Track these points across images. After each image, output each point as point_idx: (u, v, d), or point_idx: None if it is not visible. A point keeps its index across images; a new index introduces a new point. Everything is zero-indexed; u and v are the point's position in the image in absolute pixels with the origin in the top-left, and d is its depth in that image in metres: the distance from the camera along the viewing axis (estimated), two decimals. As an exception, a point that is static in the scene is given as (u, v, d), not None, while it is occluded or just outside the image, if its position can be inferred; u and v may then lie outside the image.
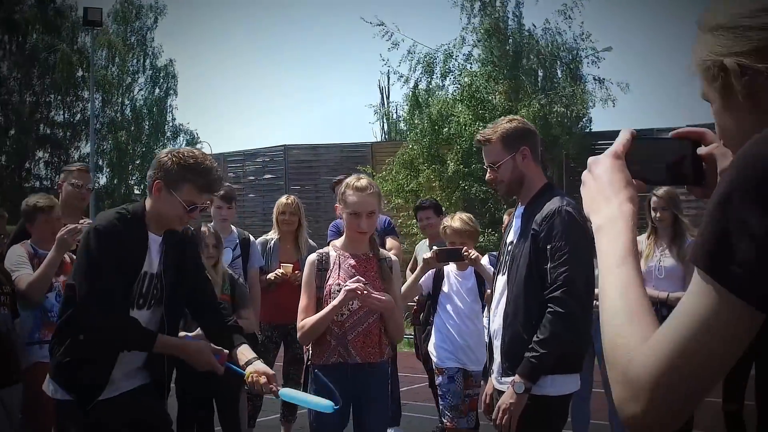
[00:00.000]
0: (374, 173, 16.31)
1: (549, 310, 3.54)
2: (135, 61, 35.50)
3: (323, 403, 3.68)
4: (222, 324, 3.99)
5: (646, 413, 1.23)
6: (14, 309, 4.92)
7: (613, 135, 11.82)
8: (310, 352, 4.24)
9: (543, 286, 3.59)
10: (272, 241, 6.89)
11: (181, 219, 3.70)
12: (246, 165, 19.89)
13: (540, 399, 3.62)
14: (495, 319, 3.87)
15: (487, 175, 3.98)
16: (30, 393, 4.91)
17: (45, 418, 5.05)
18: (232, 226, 6.63)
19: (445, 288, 5.61)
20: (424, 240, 7.77)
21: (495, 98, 15.96)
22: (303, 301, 4.22)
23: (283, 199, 7.02)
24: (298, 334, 4.23)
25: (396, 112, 21.55)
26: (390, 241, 7.14)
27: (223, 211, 6.49)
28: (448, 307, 5.56)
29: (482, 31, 17.14)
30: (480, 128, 15.38)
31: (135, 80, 35.56)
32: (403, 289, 5.66)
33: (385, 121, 28.52)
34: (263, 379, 3.67)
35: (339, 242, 4.35)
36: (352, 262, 4.21)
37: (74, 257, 5.00)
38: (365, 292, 4.00)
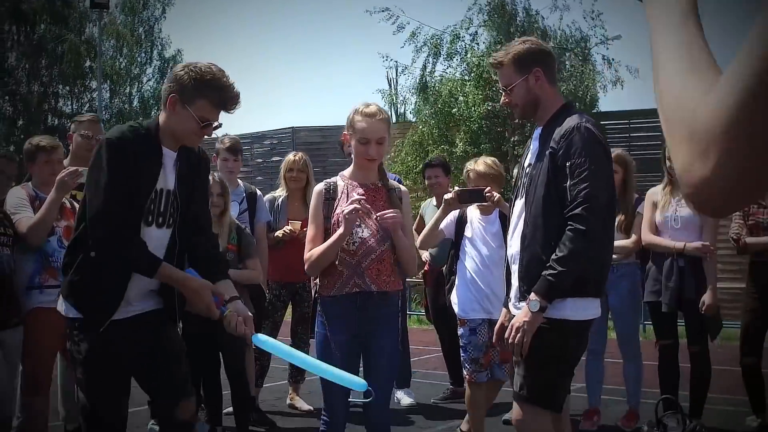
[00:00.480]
0: (382, 155, 16.16)
1: (569, 227, 3.40)
2: (143, 52, 35.40)
3: (330, 371, 3.56)
4: (211, 251, 3.87)
5: (716, 170, 1.01)
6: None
7: (622, 115, 11.69)
8: (318, 284, 4.09)
9: (562, 205, 3.45)
10: (280, 199, 6.75)
11: (195, 135, 3.59)
12: (254, 148, 19.73)
13: (558, 323, 3.48)
14: (512, 243, 3.73)
15: (502, 98, 3.86)
16: (29, 338, 4.80)
17: (43, 365, 4.94)
18: (239, 180, 6.50)
19: (468, 233, 5.40)
20: (430, 198, 7.63)
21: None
22: (310, 232, 4.08)
23: (290, 156, 6.87)
24: (306, 266, 4.08)
25: (404, 102, 21.41)
26: None
27: (230, 163, 6.37)
28: (472, 253, 5.30)
29: (487, 12, 17.00)
30: (488, 108, 15.40)
31: (143, 71, 35.46)
32: (423, 233, 5.51)
33: (392, 111, 28.40)
34: (240, 319, 3.57)
35: (347, 171, 4.20)
36: (361, 191, 4.06)
37: (75, 203, 4.89)
38: (364, 209, 3.89)
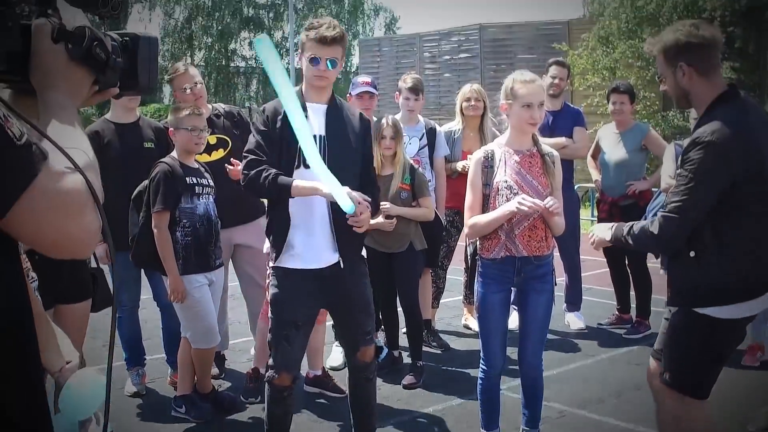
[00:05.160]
0: (570, 51, 15.99)
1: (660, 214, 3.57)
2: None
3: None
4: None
5: None
6: None
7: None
8: (479, 244, 4.42)
9: None
10: (456, 132, 7.01)
11: (313, 75, 4.14)
12: (441, 45, 19.92)
13: (703, 318, 3.51)
14: None
15: (661, 85, 3.92)
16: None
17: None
18: (420, 117, 6.80)
19: None
20: (610, 123, 7.63)
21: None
22: (469, 198, 4.39)
23: (467, 86, 7.12)
24: (467, 231, 4.42)
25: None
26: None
27: (411, 102, 6.66)
28: None
29: None
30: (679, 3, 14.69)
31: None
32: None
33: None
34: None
35: (503, 139, 4.46)
36: (517, 158, 4.32)
37: None
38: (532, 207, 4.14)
